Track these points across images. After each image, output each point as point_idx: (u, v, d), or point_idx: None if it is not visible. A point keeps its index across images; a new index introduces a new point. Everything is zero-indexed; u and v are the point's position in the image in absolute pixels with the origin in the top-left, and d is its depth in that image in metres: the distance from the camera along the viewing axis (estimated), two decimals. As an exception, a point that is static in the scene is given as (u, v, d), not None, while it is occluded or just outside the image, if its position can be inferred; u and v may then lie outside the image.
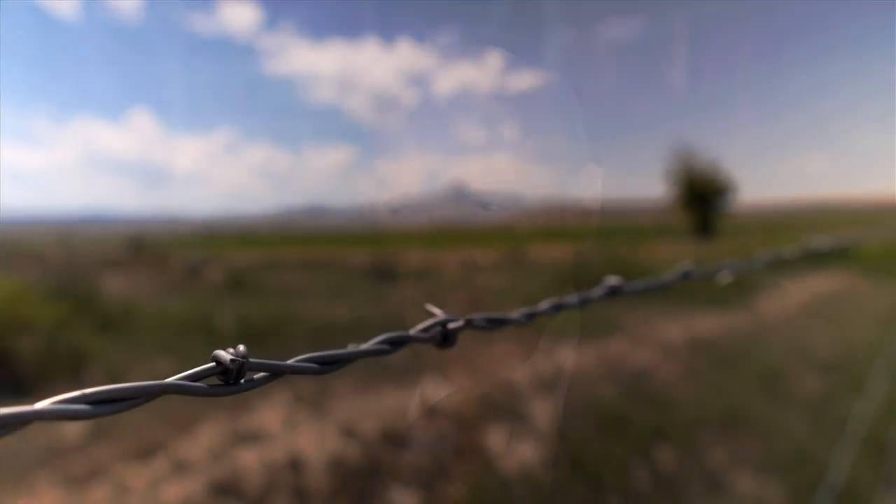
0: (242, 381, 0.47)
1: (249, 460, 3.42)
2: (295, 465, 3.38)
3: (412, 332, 0.61)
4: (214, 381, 0.46)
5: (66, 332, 5.67)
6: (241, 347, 0.46)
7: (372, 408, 4.31)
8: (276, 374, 0.49)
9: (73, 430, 3.88)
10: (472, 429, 3.95)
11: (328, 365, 0.53)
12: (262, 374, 0.49)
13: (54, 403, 0.36)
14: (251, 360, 0.46)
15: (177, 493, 3.07)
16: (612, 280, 0.89)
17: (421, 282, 13.46)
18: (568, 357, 5.71)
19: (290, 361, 0.51)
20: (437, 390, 4.71)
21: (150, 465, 3.39)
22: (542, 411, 4.27)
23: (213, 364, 0.46)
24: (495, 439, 3.77)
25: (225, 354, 0.45)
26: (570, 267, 14.29)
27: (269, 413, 4.18)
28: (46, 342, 5.31)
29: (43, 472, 3.31)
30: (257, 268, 17.67)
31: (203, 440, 3.72)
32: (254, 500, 3.03)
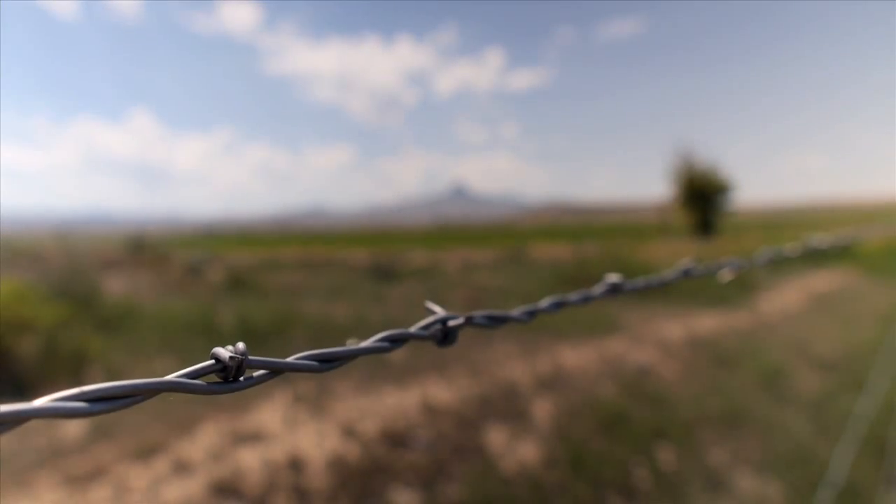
0: (242, 378, 0.46)
1: (250, 460, 3.42)
2: (295, 464, 3.37)
3: (412, 329, 0.61)
4: (214, 378, 0.46)
5: (66, 332, 5.67)
6: (241, 345, 0.46)
7: (372, 407, 4.31)
8: (275, 371, 0.49)
9: (73, 430, 3.88)
10: (472, 428, 3.95)
11: (328, 362, 0.53)
12: (261, 371, 0.48)
13: (52, 401, 0.36)
14: (250, 357, 0.46)
15: (177, 494, 3.06)
16: (613, 277, 0.89)
17: (421, 281, 13.45)
18: (568, 356, 5.71)
19: (289, 359, 0.51)
20: (437, 390, 4.70)
21: (151, 466, 3.39)
22: (543, 411, 4.26)
23: (213, 362, 0.45)
24: (495, 439, 3.77)
25: (224, 352, 0.45)
26: (570, 266, 14.28)
27: (270, 413, 4.18)
28: (46, 342, 5.31)
29: (44, 472, 3.31)
30: (257, 268, 17.68)
31: (203, 440, 3.72)
32: (254, 499, 3.02)
